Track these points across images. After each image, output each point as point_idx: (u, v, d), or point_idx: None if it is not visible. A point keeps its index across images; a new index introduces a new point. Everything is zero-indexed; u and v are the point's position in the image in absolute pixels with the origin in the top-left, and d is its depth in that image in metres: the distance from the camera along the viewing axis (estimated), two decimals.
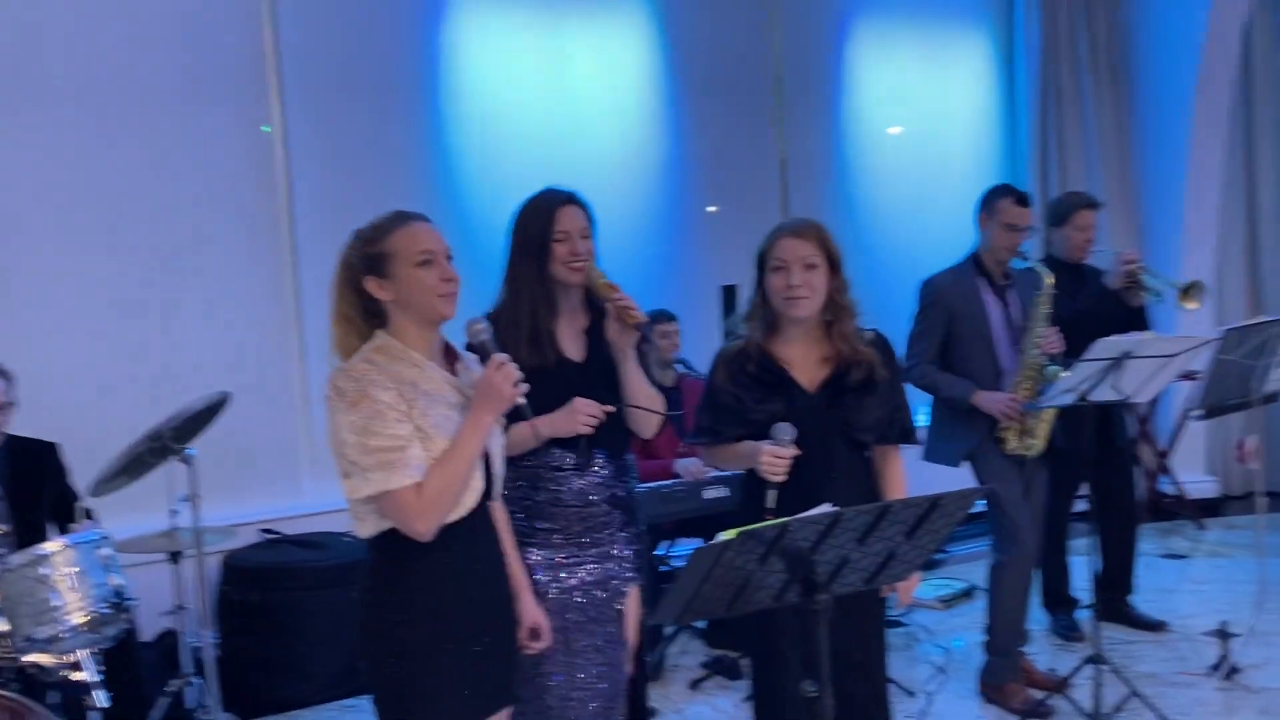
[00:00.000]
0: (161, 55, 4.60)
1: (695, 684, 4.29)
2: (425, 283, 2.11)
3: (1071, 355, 3.80)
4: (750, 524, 1.93)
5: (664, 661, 4.45)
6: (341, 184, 4.85)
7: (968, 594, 5.13)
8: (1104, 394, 3.62)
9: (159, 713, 3.67)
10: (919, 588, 3.00)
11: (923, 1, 6.41)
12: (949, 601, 5.06)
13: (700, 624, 4.68)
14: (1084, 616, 4.66)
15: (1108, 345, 3.50)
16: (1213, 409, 4.09)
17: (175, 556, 3.62)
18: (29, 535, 3.46)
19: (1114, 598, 4.58)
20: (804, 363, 2.71)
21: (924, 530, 2.13)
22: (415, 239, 2.13)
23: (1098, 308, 4.26)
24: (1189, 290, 4.46)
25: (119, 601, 3.28)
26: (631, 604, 2.64)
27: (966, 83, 6.57)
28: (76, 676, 3.15)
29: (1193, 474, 6.53)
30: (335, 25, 4.95)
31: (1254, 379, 3.96)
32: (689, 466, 4.36)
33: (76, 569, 3.17)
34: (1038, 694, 3.94)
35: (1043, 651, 4.41)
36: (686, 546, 4.87)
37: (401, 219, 2.17)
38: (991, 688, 3.99)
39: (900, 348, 3.49)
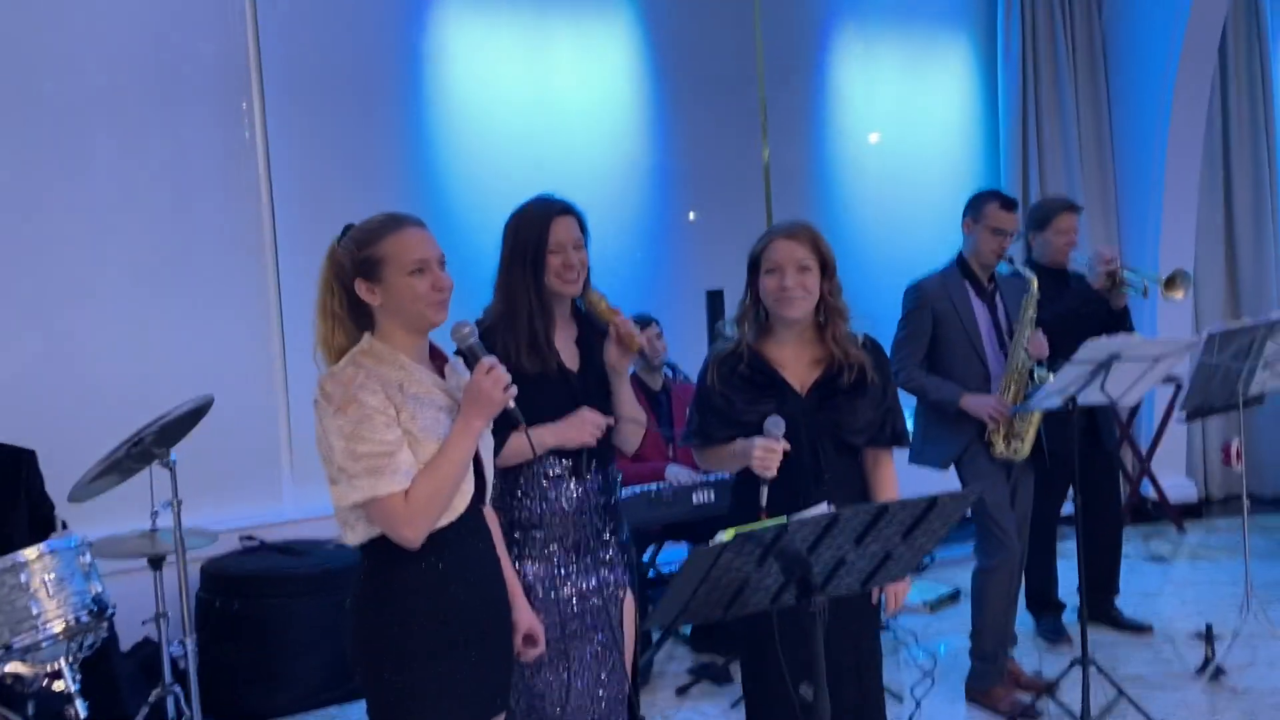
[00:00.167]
0: (140, 59, 4.54)
1: (682, 691, 4.26)
2: (416, 291, 2.09)
3: (1057, 358, 3.81)
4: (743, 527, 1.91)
5: (651, 668, 4.42)
6: (323, 188, 4.80)
7: (953, 598, 5.13)
8: (1092, 396, 3.63)
9: None
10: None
11: (905, 8, 6.43)
12: (935, 606, 5.06)
13: (686, 629, 4.66)
14: (1069, 619, 4.68)
15: (1095, 347, 3.51)
16: (1197, 411, 4.11)
17: (157, 563, 3.56)
18: (2, 545, 3.39)
19: (1099, 600, 4.58)
20: (796, 365, 2.71)
21: (920, 531, 2.12)
22: (408, 246, 2.10)
23: (1081, 309, 4.28)
24: (1172, 280, 4.46)
25: (99, 609, 3.22)
26: (628, 609, 2.63)
27: (948, 88, 6.60)
28: (56, 686, 3.09)
29: (1172, 477, 6.56)
30: (316, 28, 4.90)
31: (1240, 381, 3.97)
32: (678, 475, 4.34)
33: (55, 576, 3.11)
34: (1025, 697, 3.94)
35: (1029, 654, 4.41)
36: (673, 553, 4.85)
37: (395, 223, 2.13)
38: (978, 691, 3.99)
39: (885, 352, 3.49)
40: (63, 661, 3.12)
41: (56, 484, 3.64)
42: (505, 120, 5.30)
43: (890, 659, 4.43)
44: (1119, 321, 4.35)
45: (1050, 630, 4.62)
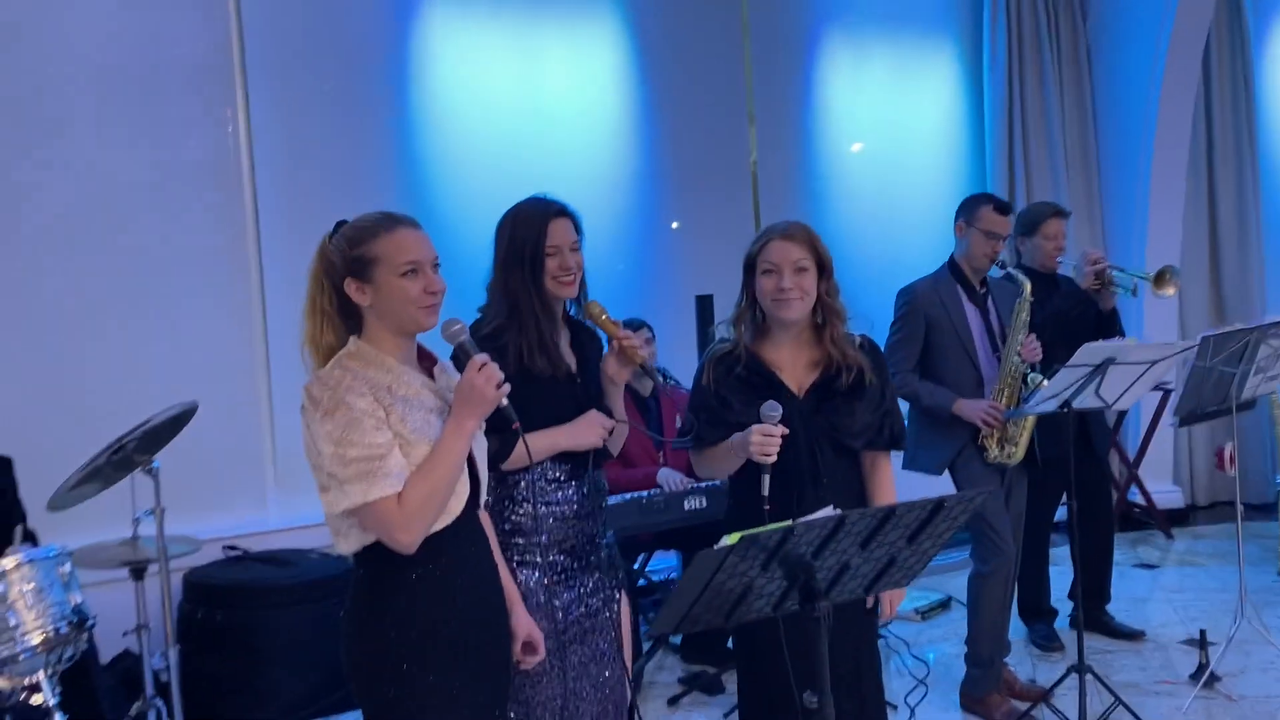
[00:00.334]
0: (123, 61, 4.47)
1: (674, 701, 4.21)
2: (408, 293, 2.04)
3: (1047, 361, 3.79)
4: (744, 530, 1.87)
5: (641, 678, 4.36)
6: (308, 192, 4.74)
7: (944, 605, 5.10)
8: (1087, 401, 3.61)
9: None
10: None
11: (892, 15, 6.43)
12: (926, 613, 5.02)
13: (676, 638, 4.60)
14: (1061, 625, 4.65)
15: (1091, 351, 3.49)
16: (1190, 416, 4.09)
17: (139, 573, 3.48)
18: None
19: (1091, 607, 4.56)
20: (793, 366, 2.68)
21: (926, 535, 2.08)
22: (402, 247, 2.06)
23: (1071, 309, 4.27)
24: (1161, 277, 4.45)
25: (79, 620, 3.14)
26: (624, 611, 2.60)
27: (935, 94, 6.61)
28: (35, 700, 3.00)
29: (1159, 484, 6.56)
30: (301, 31, 4.84)
31: (1233, 386, 3.96)
32: (670, 478, 4.29)
33: (34, 586, 3.02)
34: (1020, 705, 3.91)
35: (1022, 662, 4.39)
36: (663, 560, 4.81)
37: (390, 223, 2.09)
38: (973, 699, 3.95)
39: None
40: (41, 674, 3.03)
41: (36, 492, 3.55)
42: (493, 125, 5.25)
43: (882, 667, 4.38)
44: (1108, 323, 4.35)
45: (1043, 637, 4.59)
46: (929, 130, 6.56)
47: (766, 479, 2.47)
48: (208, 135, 4.65)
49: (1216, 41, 6.69)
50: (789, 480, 2.55)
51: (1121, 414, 6.14)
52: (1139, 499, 6.44)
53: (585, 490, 2.52)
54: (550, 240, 2.45)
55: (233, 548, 4.46)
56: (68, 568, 3.16)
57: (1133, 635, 4.62)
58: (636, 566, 4.69)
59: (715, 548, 1.82)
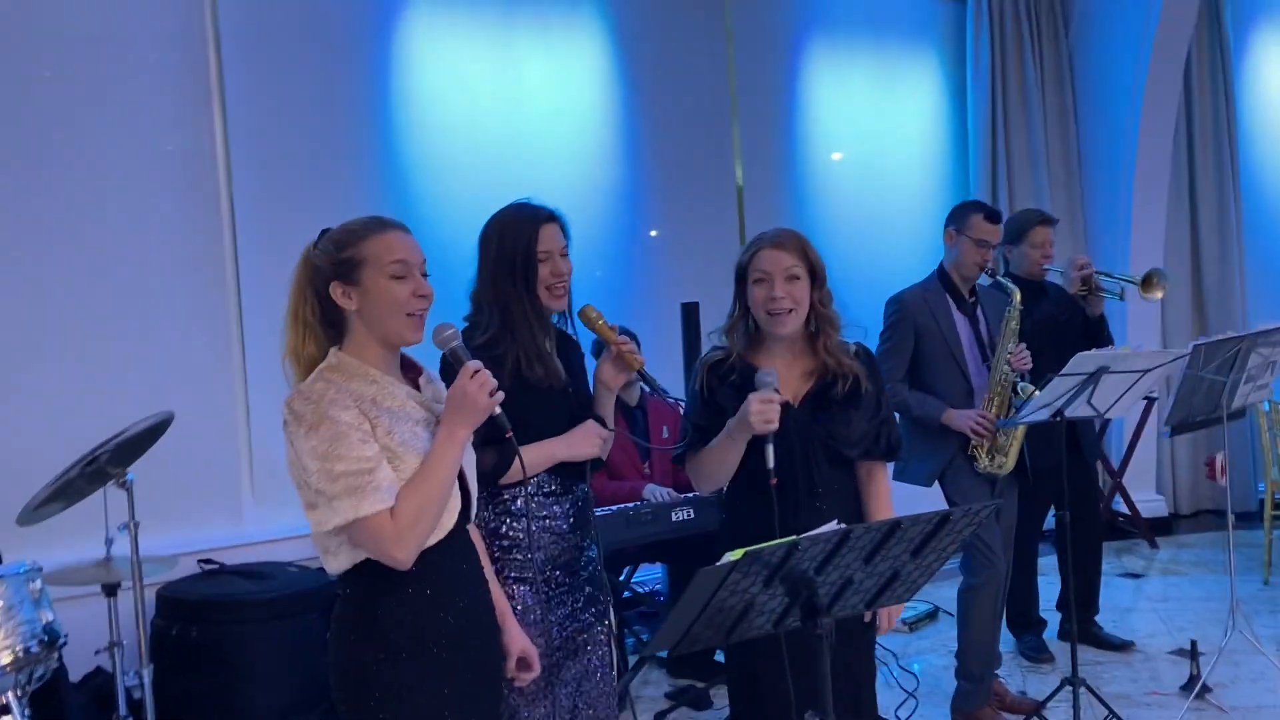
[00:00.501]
0: (95, 64, 4.36)
1: (661, 716, 4.14)
2: (396, 296, 1.97)
3: (1035, 365, 3.76)
4: (738, 546, 1.80)
5: (628, 692, 4.29)
6: (285, 200, 4.64)
7: (932, 616, 5.06)
8: (1079, 410, 3.57)
9: None
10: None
11: (875, 25, 6.43)
12: (914, 624, 4.98)
13: (662, 653, 4.53)
14: (1050, 636, 4.61)
15: (1084, 360, 3.45)
16: (1181, 425, 4.06)
17: (111, 589, 3.37)
18: None
19: (1080, 618, 4.52)
20: (787, 375, 2.62)
21: (930, 549, 2.03)
22: (390, 248, 1.99)
23: (1058, 315, 4.24)
24: (1149, 280, 4.43)
25: (50, 639, 3.04)
26: (614, 624, 2.55)
27: (918, 103, 6.61)
28: None
29: (1142, 493, 6.56)
30: (279, 35, 4.75)
31: (1224, 394, 3.93)
32: (656, 493, 4.23)
33: (4, 604, 2.91)
34: (1012, 718, 3.86)
35: (1011, 673, 4.35)
36: (649, 572, 4.74)
37: (378, 225, 2.03)
38: (965, 713, 3.90)
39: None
40: (10, 695, 2.92)
41: (3, 507, 3.44)
42: (474, 133, 5.18)
43: None
44: (1096, 328, 4.32)
45: (1032, 648, 4.55)
46: (913, 138, 6.56)
47: (770, 450, 2.39)
48: (184, 142, 4.54)
49: (1197, 50, 6.72)
50: (785, 492, 2.49)
51: (1105, 423, 6.13)
52: (1123, 508, 6.43)
53: (579, 503, 2.45)
54: (541, 246, 2.39)
55: (208, 560, 4.35)
56: (38, 584, 3.06)
57: (1122, 646, 4.59)
58: (622, 578, 4.62)
59: (717, 564, 1.75)
